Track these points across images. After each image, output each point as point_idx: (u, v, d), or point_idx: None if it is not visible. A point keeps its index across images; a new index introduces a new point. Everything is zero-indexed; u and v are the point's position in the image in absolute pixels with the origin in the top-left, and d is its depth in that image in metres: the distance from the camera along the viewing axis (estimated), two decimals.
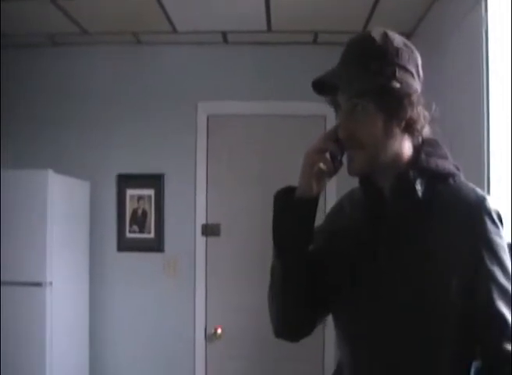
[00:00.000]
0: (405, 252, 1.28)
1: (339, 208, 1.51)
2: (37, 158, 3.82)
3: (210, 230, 3.94)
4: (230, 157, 4.00)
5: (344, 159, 1.33)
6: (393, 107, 1.27)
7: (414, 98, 1.28)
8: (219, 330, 3.86)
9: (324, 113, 3.90)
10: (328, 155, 1.30)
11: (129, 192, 4.00)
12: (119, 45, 4.03)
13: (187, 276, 3.91)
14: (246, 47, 4.00)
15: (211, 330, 3.88)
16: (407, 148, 1.34)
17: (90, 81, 4.05)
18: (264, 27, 3.72)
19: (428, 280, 1.24)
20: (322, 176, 1.32)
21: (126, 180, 4.00)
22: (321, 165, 1.30)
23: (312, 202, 1.32)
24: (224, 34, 3.87)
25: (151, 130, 4.01)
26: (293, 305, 1.38)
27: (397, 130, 1.30)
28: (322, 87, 1.32)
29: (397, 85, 1.26)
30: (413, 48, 1.34)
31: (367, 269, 1.31)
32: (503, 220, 1.29)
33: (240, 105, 4.01)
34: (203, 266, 3.93)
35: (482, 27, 2.38)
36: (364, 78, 1.26)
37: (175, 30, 3.78)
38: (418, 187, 1.28)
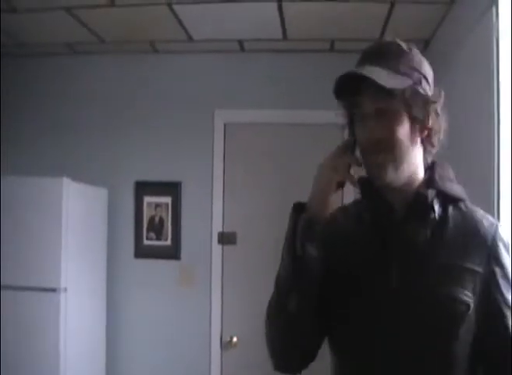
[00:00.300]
0: (419, 271, 1.25)
1: (332, 224, 1.41)
2: (57, 166, 3.88)
3: (226, 239, 3.94)
4: (247, 165, 4.00)
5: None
6: (419, 112, 1.25)
7: (439, 108, 1.29)
8: (235, 339, 3.85)
9: (341, 122, 3.89)
10: (348, 169, 1.26)
11: (147, 199, 4.03)
12: (136, 54, 4.08)
13: (203, 283, 3.92)
14: (262, 55, 4.00)
15: (226, 339, 3.88)
16: (421, 165, 1.33)
17: (109, 89, 4.11)
18: (280, 35, 3.72)
19: (444, 300, 1.22)
20: (337, 190, 1.26)
21: (143, 188, 4.03)
22: (338, 178, 1.24)
23: (322, 221, 1.26)
24: (240, 42, 3.88)
25: (168, 138, 4.04)
26: (303, 331, 1.30)
27: (418, 140, 1.29)
28: (342, 88, 1.25)
29: (422, 92, 1.26)
30: (429, 66, 1.34)
31: (379, 288, 1.26)
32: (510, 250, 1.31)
33: (257, 113, 4.01)
34: (219, 274, 3.93)
35: (493, 34, 2.33)
36: (394, 78, 1.23)
37: (191, 39, 3.81)
38: (436, 208, 1.28)
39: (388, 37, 1.36)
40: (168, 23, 3.53)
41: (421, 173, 1.33)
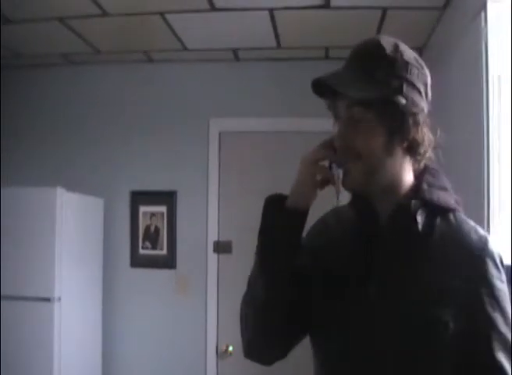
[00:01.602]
0: (399, 283, 1.19)
1: (322, 226, 1.42)
2: (53, 177, 3.85)
3: (222, 248, 3.93)
4: (242, 174, 4.00)
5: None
6: (396, 124, 1.18)
7: (420, 118, 1.20)
8: (231, 348, 3.83)
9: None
10: (326, 165, 1.23)
11: (142, 209, 4.03)
12: (132, 64, 4.10)
13: (199, 292, 3.90)
14: (257, 63, 4.02)
15: (222, 347, 3.86)
16: (407, 172, 1.26)
17: (103, 99, 4.12)
18: (274, 44, 3.73)
19: (421, 316, 1.15)
20: (316, 187, 1.24)
21: (139, 197, 4.03)
22: (320, 175, 1.23)
23: (304, 214, 1.25)
24: (235, 51, 3.89)
25: (163, 148, 4.04)
26: (272, 322, 1.27)
27: (399, 150, 1.21)
28: (323, 89, 1.21)
29: (403, 101, 1.18)
30: (423, 64, 1.26)
31: (357, 296, 1.22)
32: (504, 263, 1.22)
33: (252, 122, 4.01)
34: (214, 283, 3.91)
35: (482, 39, 2.33)
36: (368, 86, 1.17)
37: (185, 48, 3.82)
38: (419, 219, 1.20)
39: (384, 36, 1.27)
40: (162, 33, 3.54)
41: (406, 181, 1.25)
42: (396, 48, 1.22)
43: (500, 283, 1.18)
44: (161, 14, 3.25)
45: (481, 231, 1.24)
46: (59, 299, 3.23)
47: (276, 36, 3.60)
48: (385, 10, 3.15)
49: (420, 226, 1.20)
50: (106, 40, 3.70)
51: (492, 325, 1.15)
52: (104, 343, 3.86)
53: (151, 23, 3.37)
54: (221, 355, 3.86)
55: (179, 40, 3.67)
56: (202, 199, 3.98)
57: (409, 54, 1.23)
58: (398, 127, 1.18)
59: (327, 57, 3.91)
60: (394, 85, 1.18)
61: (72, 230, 3.42)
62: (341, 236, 1.33)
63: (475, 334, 1.15)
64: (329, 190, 1.29)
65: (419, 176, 1.27)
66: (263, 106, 3.96)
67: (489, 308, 1.15)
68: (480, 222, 2.24)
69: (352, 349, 1.21)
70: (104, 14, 3.21)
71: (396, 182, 1.24)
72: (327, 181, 1.24)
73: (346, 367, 1.23)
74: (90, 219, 3.81)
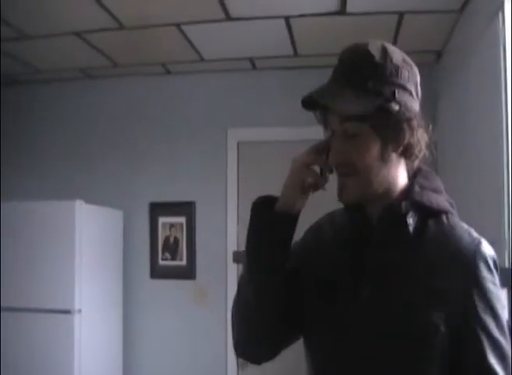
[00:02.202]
0: (389, 286, 1.18)
1: (317, 229, 1.41)
2: (73, 190, 3.91)
3: (241, 258, 3.89)
4: (261, 183, 3.94)
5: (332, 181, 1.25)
6: (391, 131, 1.17)
7: (415, 122, 1.19)
8: None
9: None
10: (317, 169, 1.23)
11: (161, 220, 4.03)
12: (149, 76, 4.12)
13: (219, 303, 3.88)
14: (274, 72, 4.00)
15: None
16: (401, 174, 1.25)
17: (122, 112, 4.15)
18: (291, 52, 3.72)
19: (412, 320, 1.14)
20: (308, 191, 1.24)
21: (158, 208, 4.04)
22: (310, 179, 1.22)
23: (294, 217, 1.24)
24: (251, 60, 3.89)
25: (181, 159, 4.05)
26: (261, 324, 1.27)
27: (393, 156, 1.20)
28: (312, 102, 1.20)
29: (396, 107, 1.16)
30: (412, 64, 1.25)
31: (348, 299, 1.21)
32: (498, 266, 1.20)
33: (271, 131, 3.99)
34: (234, 293, 3.88)
35: (500, 40, 2.29)
36: (361, 99, 1.15)
37: (202, 59, 3.83)
38: (410, 221, 1.19)
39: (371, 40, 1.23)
40: (178, 44, 3.55)
41: (401, 183, 1.25)
42: (384, 53, 1.19)
43: (493, 287, 1.16)
44: (177, 25, 3.26)
45: (474, 234, 1.22)
46: (80, 311, 3.24)
47: (293, 44, 3.59)
48: (401, 15, 3.12)
49: (411, 229, 1.19)
50: (123, 53, 3.72)
51: (484, 329, 1.13)
52: (124, 354, 3.86)
53: (167, 34, 3.39)
54: (242, 365, 3.82)
55: (196, 51, 3.68)
56: (221, 209, 3.96)
57: (398, 56, 1.21)
58: (393, 134, 1.17)
59: None
60: (386, 93, 1.17)
61: (91, 242, 3.43)
62: (334, 239, 1.32)
63: (467, 338, 1.13)
64: (324, 195, 1.29)
65: (412, 177, 1.27)
66: (281, 115, 3.93)
67: (481, 312, 1.13)
68: (500, 224, 2.21)
69: (342, 352, 1.21)
70: (121, 27, 3.23)
71: (390, 186, 1.23)
72: (317, 185, 1.24)
73: (336, 369, 1.22)
74: (110, 230, 3.82)
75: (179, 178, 4.03)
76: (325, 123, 1.24)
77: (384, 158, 1.19)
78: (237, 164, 4.01)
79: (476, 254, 1.17)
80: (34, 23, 3.20)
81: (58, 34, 3.35)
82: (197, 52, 3.71)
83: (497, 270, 1.19)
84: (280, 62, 3.92)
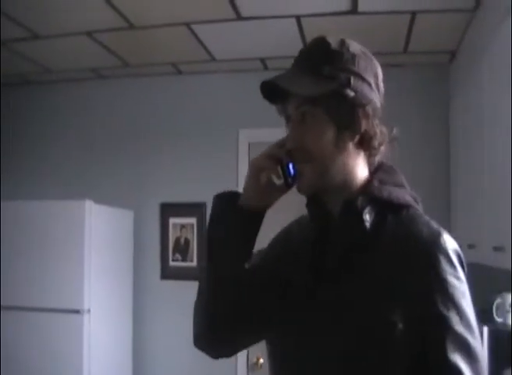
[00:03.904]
0: (347, 285, 1.14)
1: (286, 231, 1.40)
2: (84, 189, 3.92)
3: (252, 258, 3.88)
4: None
5: None
6: (346, 117, 1.16)
7: (369, 109, 1.17)
8: (261, 360, 3.78)
9: None
10: (278, 165, 1.19)
11: (172, 221, 4.02)
12: (160, 76, 4.12)
13: None
14: None
15: (253, 359, 3.81)
16: (361, 168, 1.22)
17: (133, 112, 4.15)
18: None
19: (369, 319, 1.09)
20: (271, 189, 1.21)
21: (168, 209, 4.03)
22: (270, 175, 1.19)
23: (255, 216, 1.22)
24: (263, 61, 3.87)
25: (192, 159, 4.04)
26: (220, 316, 1.24)
27: (350, 145, 1.18)
28: (273, 94, 1.20)
29: (351, 93, 1.15)
30: (372, 57, 1.24)
31: (305, 299, 1.18)
32: (464, 261, 1.15)
33: (282, 132, 3.93)
34: None
35: None
36: (315, 83, 1.15)
37: (213, 59, 3.82)
38: (366, 217, 1.15)
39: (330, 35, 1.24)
40: (189, 44, 3.55)
41: (359, 178, 1.21)
42: (342, 42, 1.21)
43: (455, 281, 1.10)
44: (188, 25, 3.25)
45: (435, 226, 1.16)
46: (89, 311, 3.24)
47: (304, 43, 3.56)
48: (414, 14, 3.08)
49: (367, 225, 1.15)
50: (134, 53, 3.72)
51: (445, 325, 1.07)
52: (134, 354, 3.85)
53: (178, 34, 3.38)
54: (251, 367, 3.81)
55: (207, 51, 3.67)
56: None
57: (356, 47, 1.22)
58: (348, 121, 1.16)
59: None
60: (342, 79, 1.16)
61: (101, 243, 3.43)
62: (298, 239, 1.30)
63: (428, 335, 1.07)
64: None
65: (373, 173, 1.24)
66: None
67: (442, 307, 1.07)
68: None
69: (302, 352, 1.17)
70: (131, 27, 3.23)
71: (349, 179, 1.21)
72: (288, 186, 1.21)
73: (296, 369, 1.19)
74: (120, 231, 3.82)
75: (190, 179, 4.02)
76: (286, 115, 1.23)
77: (339, 146, 1.17)
78: (248, 165, 3.98)
79: (435, 246, 1.11)
80: (45, 23, 3.21)
81: (69, 34, 3.35)
82: (208, 52, 3.70)
83: (462, 265, 1.14)
84: (291, 62, 3.88)
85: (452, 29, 3.26)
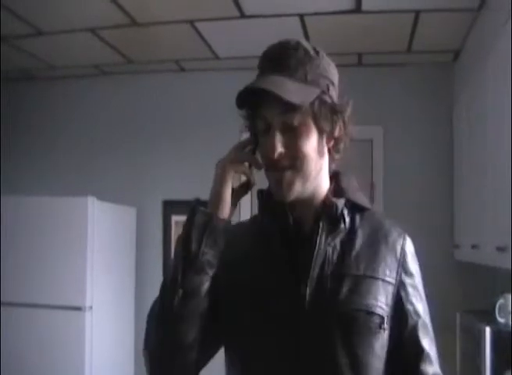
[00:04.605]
0: (330, 287, 1.16)
1: (229, 242, 1.27)
2: (87, 187, 3.92)
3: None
4: None
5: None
6: (326, 123, 1.17)
7: (346, 115, 1.20)
8: None
9: (370, 137, 3.83)
10: (247, 167, 1.18)
11: (175, 218, 4.02)
12: (163, 73, 4.12)
13: None
14: None
15: None
16: (327, 173, 1.26)
17: (136, 109, 4.16)
18: None
19: (358, 313, 1.16)
20: (239, 192, 1.21)
21: (171, 206, 4.03)
22: (242, 176, 1.20)
23: (226, 222, 1.17)
24: None
25: (195, 157, 4.03)
26: (187, 332, 1.15)
27: (325, 150, 1.21)
28: (244, 98, 1.17)
29: (329, 101, 1.17)
30: (331, 62, 1.24)
31: (288, 304, 1.16)
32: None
33: None
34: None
35: None
36: (303, 90, 1.14)
37: (216, 57, 3.82)
38: (347, 218, 1.22)
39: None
40: (192, 42, 3.54)
41: (326, 183, 1.26)
42: (315, 49, 1.22)
43: (418, 274, 1.27)
44: (191, 22, 3.24)
45: (399, 227, 1.30)
46: (91, 308, 3.24)
47: (307, 42, 3.55)
48: (418, 13, 3.07)
49: (347, 225, 1.22)
50: (137, 50, 3.72)
51: (417, 314, 1.23)
52: (136, 352, 3.85)
53: (181, 32, 3.38)
54: None
55: (210, 48, 3.67)
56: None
57: (321, 51, 1.23)
58: (328, 126, 1.17)
59: (360, 63, 3.85)
60: (323, 85, 1.17)
61: (104, 239, 3.44)
62: (257, 245, 1.26)
63: (403, 324, 1.21)
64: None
65: (335, 178, 1.29)
66: None
67: (414, 299, 1.23)
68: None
69: (291, 352, 1.16)
70: (134, 23, 3.23)
71: (320, 184, 1.24)
72: (248, 185, 1.22)
73: (288, 369, 1.16)
74: (123, 228, 3.82)
75: (192, 176, 4.01)
76: (254, 119, 1.21)
77: (320, 151, 1.19)
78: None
79: (405, 245, 1.26)
80: (49, 20, 3.21)
81: (73, 31, 3.35)
82: (211, 50, 3.70)
83: (416, 261, 1.29)
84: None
85: (456, 28, 3.25)
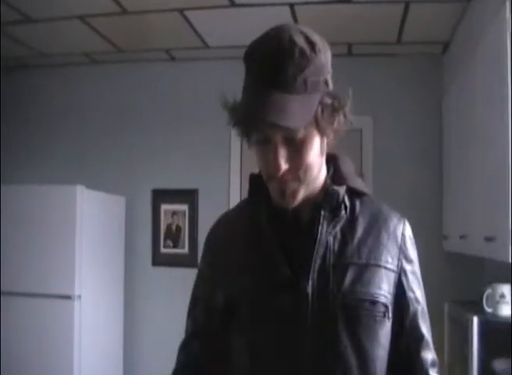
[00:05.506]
0: (333, 275, 1.15)
1: (217, 240, 1.36)
2: (76, 175, 3.91)
3: None
4: None
5: None
6: (327, 123, 1.11)
7: (347, 109, 1.13)
8: None
9: (359, 127, 3.83)
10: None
11: (164, 207, 4.03)
12: (153, 62, 4.11)
13: None
14: None
15: None
16: (324, 162, 1.22)
17: (126, 98, 4.14)
18: None
19: (364, 304, 1.15)
20: None
21: (160, 195, 4.04)
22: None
23: None
24: None
25: (185, 146, 4.03)
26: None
27: (325, 145, 1.17)
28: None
29: (329, 101, 1.11)
30: (326, 44, 1.16)
31: (290, 293, 1.15)
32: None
33: None
34: None
35: (507, 30, 2.25)
36: (305, 104, 1.07)
37: (207, 46, 3.81)
38: (348, 204, 1.20)
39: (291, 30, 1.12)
40: (182, 31, 3.53)
41: (323, 170, 1.22)
42: (310, 41, 1.11)
43: (416, 260, 1.27)
44: (181, 11, 3.23)
45: (397, 213, 1.29)
46: (79, 297, 3.24)
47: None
48: (407, 4, 3.08)
49: (347, 211, 1.21)
50: (127, 38, 3.70)
51: (417, 301, 1.24)
52: (125, 341, 3.86)
53: (171, 20, 3.36)
54: None
55: (200, 37, 3.66)
56: (224, 197, 3.94)
57: (319, 41, 1.13)
58: (329, 126, 1.12)
59: (350, 53, 3.85)
60: (323, 85, 1.11)
61: (93, 228, 3.43)
62: (249, 235, 1.25)
63: (404, 309, 1.22)
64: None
65: (333, 163, 1.26)
66: None
67: (414, 286, 1.24)
68: (504, 218, 2.18)
69: (299, 347, 1.15)
70: (124, 12, 3.20)
71: (318, 175, 1.20)
72: None
73: (299, 363, 1.16)
74: (112, 217, 3.82)
75: (182, 165, 4.02)
76: (262, 135, 1.12)
77: (322, 151, 1.16)
78: (240, 153, 3.99)
79: (404, 230, 1.26)
80: (39, 7, 3.18)
81: (63, 18, 3.33)
82: (201, 39, 3.69)
83: (414, 247, 1.28)
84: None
85: (445, 19, 3.26)
